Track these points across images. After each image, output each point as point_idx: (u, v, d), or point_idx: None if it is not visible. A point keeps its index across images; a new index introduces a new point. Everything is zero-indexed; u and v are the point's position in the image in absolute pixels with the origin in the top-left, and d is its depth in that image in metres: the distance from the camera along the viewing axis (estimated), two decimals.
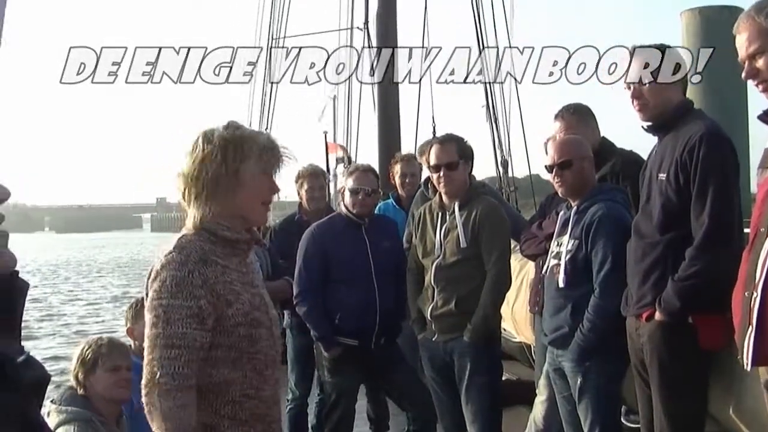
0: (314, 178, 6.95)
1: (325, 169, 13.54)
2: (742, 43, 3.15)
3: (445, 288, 5.33)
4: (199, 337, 2.78)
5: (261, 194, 3.00)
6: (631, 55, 4.12)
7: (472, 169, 5.61)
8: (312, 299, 5.77)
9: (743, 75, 3.17)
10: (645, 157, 4.53)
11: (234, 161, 2.90)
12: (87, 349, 4.29)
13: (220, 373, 2.86)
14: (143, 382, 2.78)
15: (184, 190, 2.95)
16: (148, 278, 2.88)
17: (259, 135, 3.05)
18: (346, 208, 5.90)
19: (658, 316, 3.87)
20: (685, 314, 3.78)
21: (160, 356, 2.75)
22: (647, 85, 4.02)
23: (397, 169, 7.43)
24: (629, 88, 4.08)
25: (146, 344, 2.81)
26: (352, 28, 14.57)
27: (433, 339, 5.42)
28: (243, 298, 2.92)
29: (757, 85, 3.15)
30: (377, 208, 7.22)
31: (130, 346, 4.92)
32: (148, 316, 2.84)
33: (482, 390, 5.25)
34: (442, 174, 5.36)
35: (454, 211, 5.36)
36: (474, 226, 5.24)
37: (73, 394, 4.24)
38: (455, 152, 5.37)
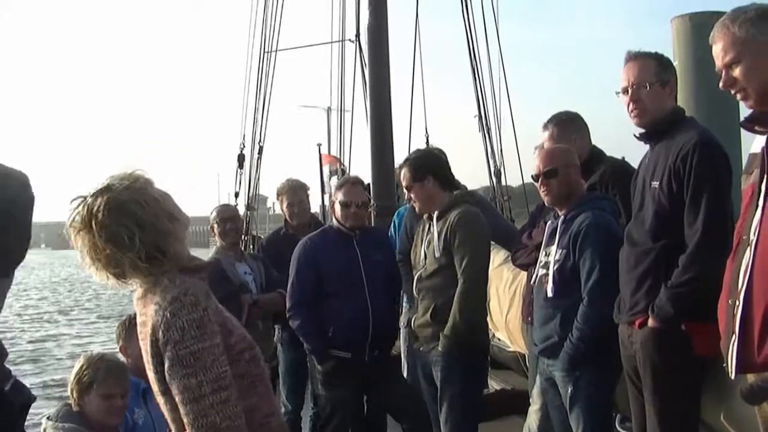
0: (292, 194, 6.97)
1: (319, 181, 13.61)
2: (718, 53, 3.15)
3: (425, 298, 5.37)
4: (230, 373, 2.73)
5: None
6: (628, 59, 4.13)
7: (444, 180, 5.53)
8: (305, 312, 5.77)
9: (720, 85, 3.18)
10: (635, 166, 4.55)
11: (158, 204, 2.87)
12: (85, 369, 4.27)
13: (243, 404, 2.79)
14: None
15: (147, 255, 2.81)
16: (154, 330, 2.75)
17: (133, 174, 2.92)
18: (338, 221, 5.92)
19: (651, 322, 3.88)
20: (678, 321, 3.79)
21: (212, 402, 2.65)
22: (647, 89, 4.02)
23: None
24: (626, 93, 4.08)
25: (185, 396, 2.68)
26: (343, 40, 14.61)
27: (420, 349, 5.47)
28: (234, 323, 2.91)
29: (735, 94, 3.17)
30: (397, 213, 7.29)
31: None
32: (176, 369, 2.69)
33: (454, 401, 5.22)
34: (408, 195, 5.49)
35: (434, 221, 5.39)
36: (446, 236, 5.24)
37: (69, 411, 4.24)
38: (408, 176, 5.43)
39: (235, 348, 2.81)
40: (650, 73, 4.05)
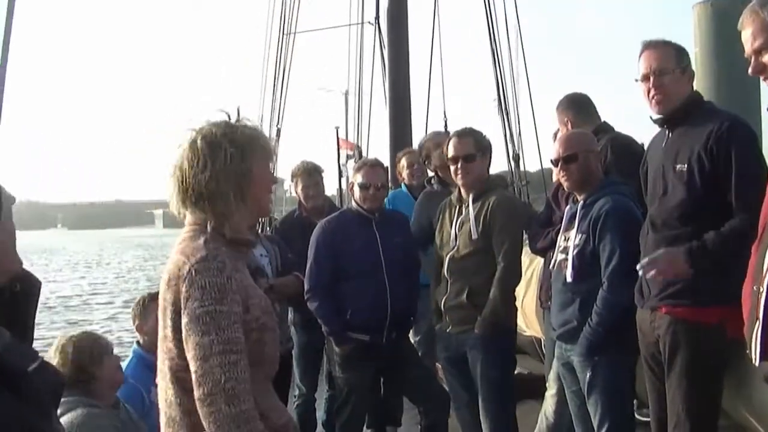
0: (307, 176, 6.93)
1: (336, 164, 13.59)
2: (747, 38, 3.11)
3: (457, 280, 5.35)
4: (243, 341, 2.77)
5: (269, 185, 3.02)
6: (647, 47, 4.12)
7: (490, 163, 5.61)
8: (323, 295, 5.76)
9: (750, 71, 3.15)
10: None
11: (246, 159, 2.88)
12: (86, 345, 4.25)
13: None
14: (202, 392, 2.69)
15: (195, 195, 2.88)
16: (177, 284, 2.80)
17: (256, 129, 3.03)
18: (357, 203, 5.91)
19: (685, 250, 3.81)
20: (715, 260, 3.73)
21: (220, 362, 2.68)
22: (670, 75, 4.03)
23: (403, 163, 7.49)
24: (646, 80, 4.07)
25: (196, 353, 2.72)
26: (362, 23, 14.55)
27: (447, 330, 5.45)
28: (256, 303, 2.91)
29: (764, 80, 3.13)
30: (388, 198, 7.27)
31: (138, 341, 4.98)
32: (192, 326, 2.73)
33: (493, 383, 5.24)
34: (459, 166, 5.37)
35: (468, 204, 5.37)
36: (485, 218, 5.24)
37: (69, 384, 4.17)
38: (473, 145, 5.40)
39: (247, 325, 2.83)
40: (671, 61, 4.07)
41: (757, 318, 2.92)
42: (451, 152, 5.43)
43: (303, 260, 5.98)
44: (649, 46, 4.13)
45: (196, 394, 2.70)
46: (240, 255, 2.97)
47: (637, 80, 4.14)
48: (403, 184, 7.54)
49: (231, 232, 2.91)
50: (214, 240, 2.86)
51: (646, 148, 4.52)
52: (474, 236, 5.26)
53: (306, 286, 5.82)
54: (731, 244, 3.69)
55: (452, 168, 5.45)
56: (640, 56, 4.14)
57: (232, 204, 2.87)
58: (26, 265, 2.87)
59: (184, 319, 2.75)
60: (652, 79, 4.05)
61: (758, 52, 3.09)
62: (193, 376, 2.72)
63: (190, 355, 2.74)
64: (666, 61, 4.05)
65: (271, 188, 3.05)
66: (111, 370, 4.29)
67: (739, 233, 3.63)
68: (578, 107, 5.44)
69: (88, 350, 4.25)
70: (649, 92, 4.08)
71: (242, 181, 2.88)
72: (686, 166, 3.90)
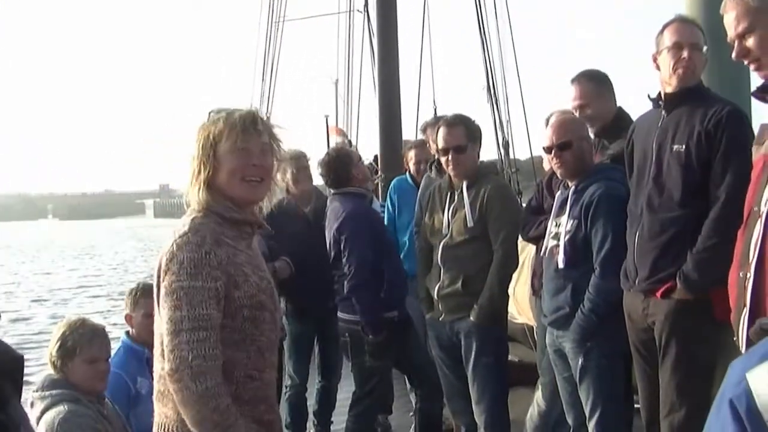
0: (293, 162, 6.91)
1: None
2: (730, 22, 3.12)
3: (452, 267, 5.32)
4: (218, 318, 2.80)
5: (237, 170, 2.97)
6: (679, 20, 4.10)
7: (480, 149, 5.55)
8: (367, 287, 5.70)
9: (733, 55, 3.15)
10: None
11: (213, 140, 2.95)
12: (68, 334, 4.15)
13: (224, 354, 2.83)
14: (170, 367, 2.73)
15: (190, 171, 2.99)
16: (161, 260, 2.86)
17: (234, 112, 3.02)
18: (358, 185, 5.94)
19: (678, 291, 3.85)
20: (705, 288, 3.73)
21: (189, 339, 2.73)
22: (700, 52, 4.02)
23: (411, 155, 7.43)
24: (677, 48, 3.99)
25: (167, 328, 2.77)
26: (351, 11, 14.55)
27: (440, 319, 5.42)
28: (251, 281, 2.94)
29: (748, 65, 3.13)
30: (392, 184, 7.31)
31: (128, 332, 4.90)
32: (167, 299, 2.79)
33: (488, 370, 5.25)
34: (450, 157, 5.32)
35: (462, 191, 5.34)
36: (481, 206, 5.22)
37: (54, 379, 4.11)
38: (463, 135, 5.33)
39: (236, 302, 2.88)
40: (701, 40, 4.06)
41: (745, 304, 2.93)
42: (440, 143, 5.38)
43: (291, 248, 5.97)
44: (682, 20, 4.12)
45: (166, 368, 2.75)
46: (242, 234, 3.01)
47: (667, 47, 4.02)
48: (407, 174, 7.51)
49: (226, 211, 2.95)
50: (205, 217, 2.92)
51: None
52: (470, 224, 5.23)
53: (354, 282, 5.71)
54: (709, 261, 3.73)
55: (443, 159, 5.43)
56: (667, 27, 4.07)
57: (216, 181, 2.95)
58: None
59: (162, 292, 2.81)
60: (687, 50, 3.97)
61: (742, 37, 3.09)
62: (165, 349, 2.77)
63: (163, 328, 2.80)
64: (698, 39, 4.04)
65: (246, 174, 2.99)
66: (79, 373, 4.13)
67: (714, 249, 3.69)
68: (601, 86, 5.19)
69: (63, 343, 4.13)
70: (676, 62, 3.99)
71: (214, 159, 2.95)
72: (684, 147, 3.89)
